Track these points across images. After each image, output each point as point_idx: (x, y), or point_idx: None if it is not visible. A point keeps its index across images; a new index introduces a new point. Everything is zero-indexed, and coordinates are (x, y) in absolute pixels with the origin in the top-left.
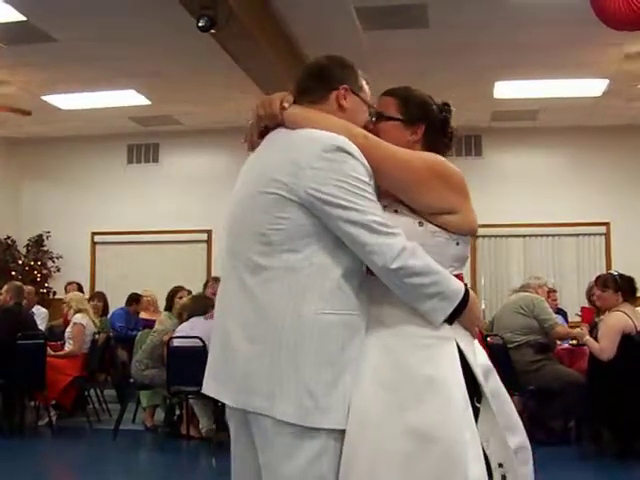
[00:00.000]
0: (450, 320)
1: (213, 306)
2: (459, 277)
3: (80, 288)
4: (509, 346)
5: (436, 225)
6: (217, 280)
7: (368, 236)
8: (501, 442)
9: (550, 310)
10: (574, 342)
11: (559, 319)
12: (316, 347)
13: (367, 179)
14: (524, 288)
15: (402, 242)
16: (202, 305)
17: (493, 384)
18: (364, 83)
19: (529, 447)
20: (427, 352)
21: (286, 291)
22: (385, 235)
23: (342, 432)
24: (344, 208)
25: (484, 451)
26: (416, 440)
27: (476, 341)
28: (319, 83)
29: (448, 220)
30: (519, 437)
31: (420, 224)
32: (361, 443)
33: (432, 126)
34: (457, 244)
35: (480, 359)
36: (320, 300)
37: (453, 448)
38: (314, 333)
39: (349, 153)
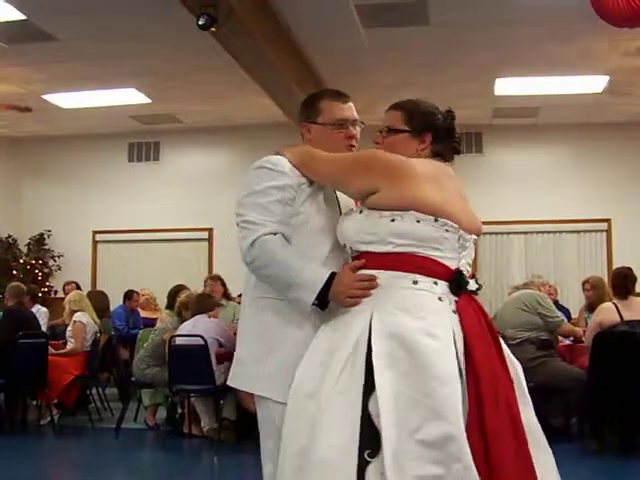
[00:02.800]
0: (322, 306)
1: (217, 304)
2: (407, 256)
3: (78, 287)
4: (511, 342)
5: (369, 207)
6: (214, 278)
7: (238, 234)
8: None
9: (554, 307)
10: (578, 339)
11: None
12: (249, 326)
13: (268, 185)
14: (526, 286)
15: (253, 237)
16: (206, 303)
17: (420, 360)
18: (326, 104)
19: (462, 440)
20: (342, 326)
21: (249, 282)
22: (245, 231)
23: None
24: (235, 213)
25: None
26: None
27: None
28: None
29: (376, 199)
30: (445, 426)
31: (360, 212)
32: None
33: (438, 134)
34: (392, 220)
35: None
36: (255, 288)
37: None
38: (248, 314)
39: (262, 167)
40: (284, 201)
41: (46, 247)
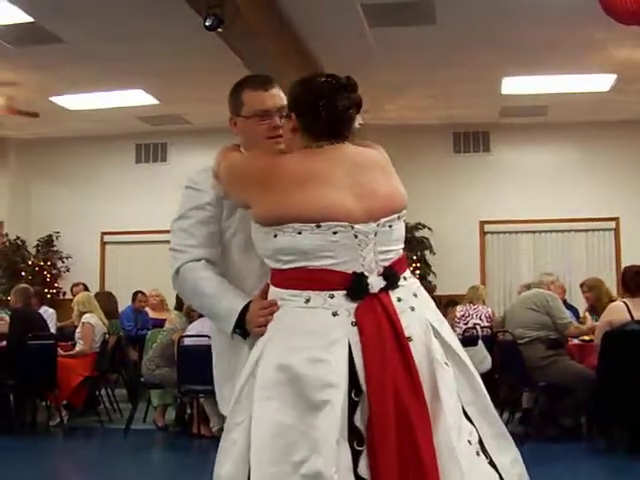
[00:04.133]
0: (244, 335)
1: None
2: (300, 271)
3: (86, 289)
4: (520, 342)
5: (254, 222)
6: None
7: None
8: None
9: (564, 308)
10: (585, 338)
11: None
12: (213, 345)
13: (188, 207)
14: (537, 285)
15: (176, 265)
16: None
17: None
18: (246, 94)
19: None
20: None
21: None
22: (171, 259)
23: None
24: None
25: None
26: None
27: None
28: None
29: (254, 215)
30: (319, 461)
31: (254, 224)
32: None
33: (302, 112)
34: (275, 236)
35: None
36: None
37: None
38: (213, 331)
39: (186, 188)
40: (205, 221)
41: (54, 249)
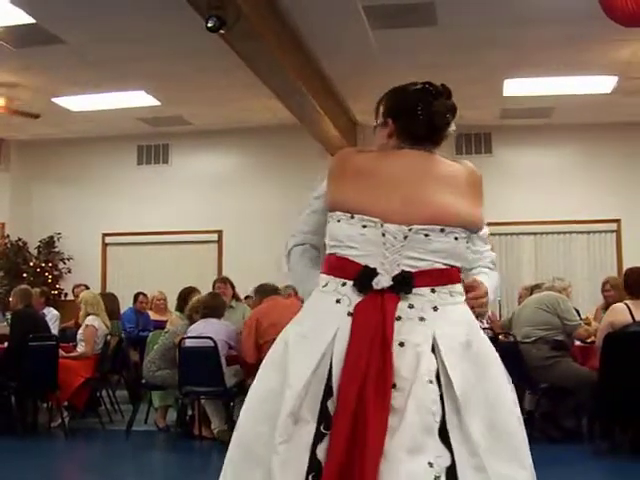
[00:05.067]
0: None
1: (224, 306)
2: (331, 257)
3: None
4: (526, 340)
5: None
6: (223, 281)
7: None
8: None
9: (574, 311)
10: (589, 340)
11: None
12: None
13: (312, 195)
14: (548, 289)
15: (287, 249)
16: (218, 305)
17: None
18: None
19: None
20: None
21: None
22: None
23: None
24: None
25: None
26: None
27: None
28: None
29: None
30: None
31: None
32: None
33: (400, 116)
34: (328, 222)
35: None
36: None
37: None
38: None
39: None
40: (318, 211)
41: (56, 250)
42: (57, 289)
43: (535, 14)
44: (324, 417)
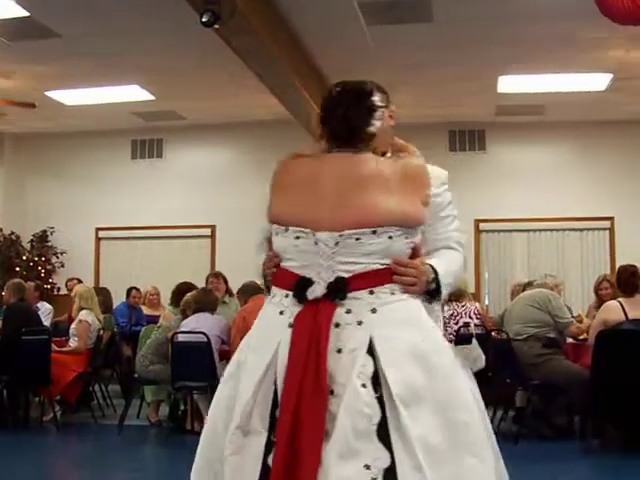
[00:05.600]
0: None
1: (217, 301)
2: (278, 270)
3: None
4: (518, 338)
5: None
6: (216, 276)
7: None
8: None
9: (565, 308)
10: (581, 337)
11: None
12: None
13: None
14: (540, 286)
15: (258, 241)
16: (211, 300)
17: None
18: None
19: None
20: None
21: None
22: None
23: None
24: None
25: None
26: None
27: None
28: None
29: None
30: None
31: None
32: None
33: (324, 119)
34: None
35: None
36: None
37: None
38: None
39: None
40: None
41: (49, 244)
42: (50, 283)
43: (531, 11)
44: (273, 427)
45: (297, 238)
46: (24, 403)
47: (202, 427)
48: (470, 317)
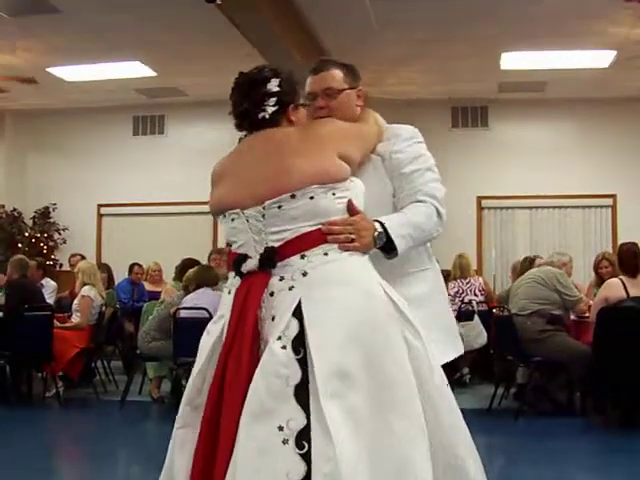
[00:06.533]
0: None
1: (218, 278)
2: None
3: (84, 260)
4: (522, 313)
5: None
6: (219, 252)
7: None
8: None
9: (573, 286)
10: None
11: None
12: None
13: None
14: (547, 264)
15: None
16: (211, 276)
17: None
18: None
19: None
20: None
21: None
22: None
23: None
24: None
25: None
26: None
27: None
28: None
29: None
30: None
31: None
32: None
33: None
34: None
35: None
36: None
37: None
38: None
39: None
40: None
41: (51, 220)
42: (52, 259)
43: None
44: None
45: (232, 220)
46: (27, 379)
47: None
48: (475, 294)
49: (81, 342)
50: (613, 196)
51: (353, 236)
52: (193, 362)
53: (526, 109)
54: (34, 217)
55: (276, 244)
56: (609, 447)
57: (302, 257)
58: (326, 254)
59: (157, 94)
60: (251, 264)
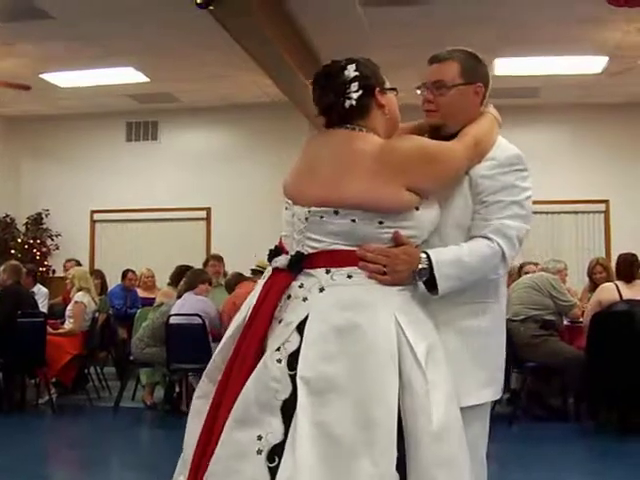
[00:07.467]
0: None
1: (203, 281)
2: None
3: (79, 265)
4: (516, 318)
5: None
6: (218, 259)
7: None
8: None
9: (566, 291)
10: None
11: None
12: None
13: None
14: (543, 270)
15: None
16: (192, 280)
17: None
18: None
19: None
20: None
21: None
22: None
23: None
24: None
25: None
26: None
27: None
28: None
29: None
30: None
31: None
32: None
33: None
34: None
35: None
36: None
37: None
38: None
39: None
40: None
41: (44, 226)
42: (45, 266)
43: None
44: None
45: (286, 209)
46: (20, 385)
47: None
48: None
49: (74, 348)
50: (606, 201)
51: (385, 269)
52: (186, 368)
53: (519, 115)
54: (27, 223)
55: (311, 250)
56: (603, 452)
57: (327, 272)
58: (350, 276)
59: (150, 100)
60: (282, 261)
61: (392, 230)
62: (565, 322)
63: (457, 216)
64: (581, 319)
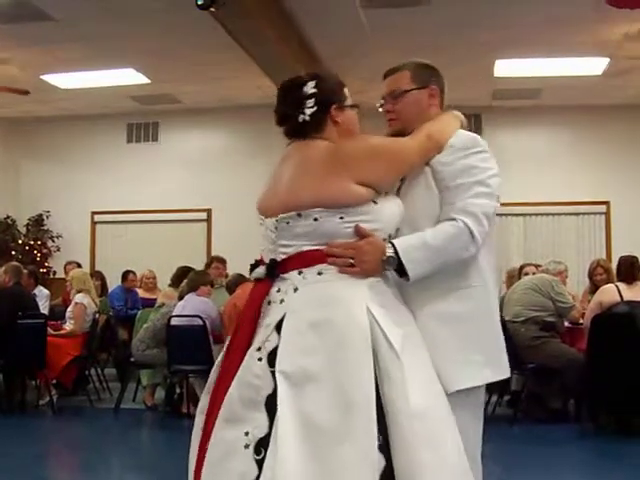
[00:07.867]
0: None
1: (205, 283)
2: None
3: (79, 267)
4: (516, 320)
5: None
6: (221, 261)
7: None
8: None
9: (567, 293)
10: (582, 321)
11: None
12: None
13: None
14: (543, 271)
15: None
16: (195, 281)
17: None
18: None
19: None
20: None
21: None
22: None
23: None
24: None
25: None
26: None
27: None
28: None
29: None
30: None
31: None
32: None
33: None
34: None
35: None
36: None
37: None
38: None
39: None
40: None
41: (45, 228)
42: (46, 267)
43: None
44: None
45: (260, 224)
46: (20, 387)
47: None
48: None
49: (75, 350)
50: (607, 203)
51: (352, 261)
52: (187, 370)
53: (520, 116)
54: (28, 224)
55: (283, 257)
56: (604, 454)
57: (299, 273)
58: (320, 273)
59: (151, 101)
60: (259, 272)
61: (353, 224)
62: (566, 324)
63: (426, 207)
64: (581, 321)
